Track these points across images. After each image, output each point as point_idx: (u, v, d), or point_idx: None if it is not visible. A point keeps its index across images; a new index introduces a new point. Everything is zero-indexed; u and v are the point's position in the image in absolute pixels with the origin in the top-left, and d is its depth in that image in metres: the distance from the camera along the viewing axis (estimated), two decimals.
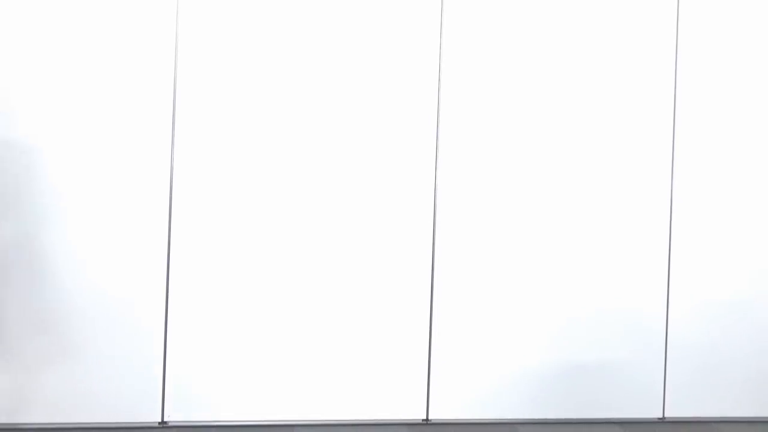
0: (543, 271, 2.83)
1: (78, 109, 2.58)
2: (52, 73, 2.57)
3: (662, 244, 2.90)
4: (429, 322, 2.76)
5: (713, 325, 2.93)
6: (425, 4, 2.77)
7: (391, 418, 2.73)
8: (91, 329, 2.58)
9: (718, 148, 2.94)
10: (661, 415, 2.89)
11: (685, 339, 2.91)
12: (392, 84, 2.75)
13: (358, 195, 2.71)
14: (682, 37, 2.92)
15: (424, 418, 2.76)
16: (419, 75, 2.76)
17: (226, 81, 2.66)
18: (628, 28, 2.89)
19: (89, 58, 2.59)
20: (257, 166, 2.66)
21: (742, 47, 2.96)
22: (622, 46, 2.89)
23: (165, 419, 2.62)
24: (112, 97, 2.60)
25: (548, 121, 2.84)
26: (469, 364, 2.79)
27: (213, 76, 2.65)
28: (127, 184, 2.61)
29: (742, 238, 2.95)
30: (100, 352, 2.58)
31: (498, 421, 2.80)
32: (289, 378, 2.63)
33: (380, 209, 2.73)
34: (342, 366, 2.70)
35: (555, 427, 2.80)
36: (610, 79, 2.88)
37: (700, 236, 2.92)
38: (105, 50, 2.60)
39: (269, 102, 2.67)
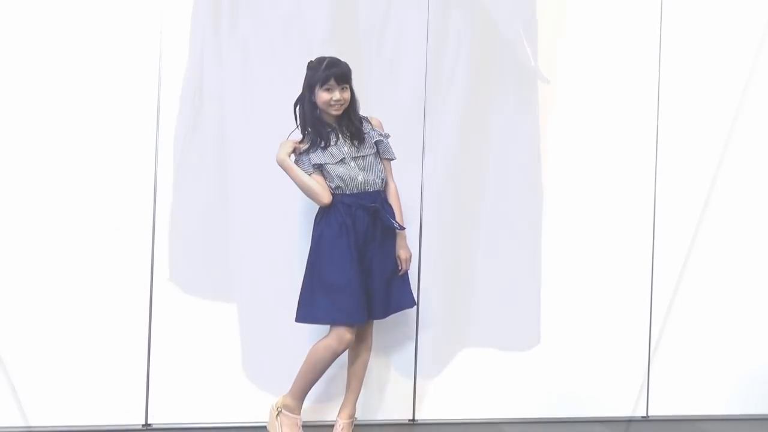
0: (527, 270, 2.83)
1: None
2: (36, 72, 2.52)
3: (646, 243, 2.91)
4: (416, 322, 2.75)
5: (697, 323, 2.95)
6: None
7: (377, 418, 2.73)
8: (74, 331, 2.55)
9: (698, 147, 2.94)
10: (644, 414, 2.92)
11: (668, 337, 2.93)
12: (384, 82, 2.72)
13: None
14: (666, 38, 2.92)
15: (411, 418, 2.77)
16: (409, 73, 2.74)
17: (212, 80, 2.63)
18: (613, 26, 2.89)
19: (74, 58, 2.55)
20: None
21: (726, 49, 2.97)
22: (607, 45, 2.88)
23: (149, 421, 2.60)
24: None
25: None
26: (454, 364, 2.79)
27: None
28: (113, 184, 2.57)
29: (724, 238, 2.96)
30: (84, 354, 2.55)
31: (483, 420, 2.81)
32: (282, 379, 2.61)
33: None
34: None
35: (540, 426, 2.81)
36: (595, 79, 2.87)
37: (683, 235, 2.93)
38: (88, 50, 2.56)
39: (266, 102, 2.63)
